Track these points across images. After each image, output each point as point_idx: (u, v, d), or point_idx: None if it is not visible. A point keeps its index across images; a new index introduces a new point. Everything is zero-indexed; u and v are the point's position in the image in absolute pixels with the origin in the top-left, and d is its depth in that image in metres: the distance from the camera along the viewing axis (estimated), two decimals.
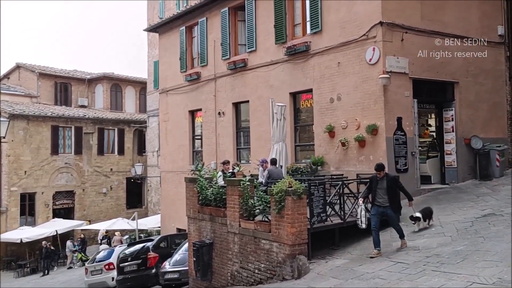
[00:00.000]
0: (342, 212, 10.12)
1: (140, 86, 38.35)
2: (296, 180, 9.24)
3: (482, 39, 14.81)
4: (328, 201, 9.70)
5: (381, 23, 12.83)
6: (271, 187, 9.78)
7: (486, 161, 14.26)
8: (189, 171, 14.63)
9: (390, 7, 13.00)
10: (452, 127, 14.40)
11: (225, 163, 13.52)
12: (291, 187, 8.86)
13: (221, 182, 12.22)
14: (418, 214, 10.16)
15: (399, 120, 13.12)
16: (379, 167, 9.41)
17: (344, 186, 10.17)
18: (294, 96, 15.86)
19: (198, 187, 12.41)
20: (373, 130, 12.97)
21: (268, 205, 9.61)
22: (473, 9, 14.78)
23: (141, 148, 35.52)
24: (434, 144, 15.22)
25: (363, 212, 9.28)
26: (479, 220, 10.22)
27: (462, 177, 14.40)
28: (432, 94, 14.26)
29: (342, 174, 13.12)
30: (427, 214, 10.38)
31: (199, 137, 20.65)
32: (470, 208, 11.37)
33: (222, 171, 13.20)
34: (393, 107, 13.02)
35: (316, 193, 9.23)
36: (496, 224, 9.66)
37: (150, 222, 26.30)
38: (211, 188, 12.05)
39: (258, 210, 10.00)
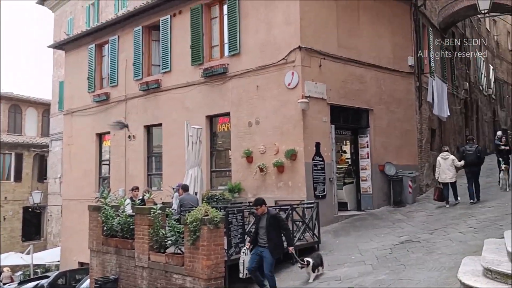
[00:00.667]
0: None
1: (43, 107, 35.58)
2: (213, 207, 8.46)
3: (394, 69, 15.26)
4: (247, 230, 8.99)
5: (299, 47, 12.66)
6: (185, 215, 8.93)
7: (400, 187, 14.47)
8: (94, 199, 13.27)
9: (308, 32, 12.91)
10: (367, 153, 14.49)
11: (134, 189, 12.41)
12: (207, 215, 8.08)
13: (129, 210, 11.11)
14: (308, 259, 8.82)
15: (318, 145, 12.91)
16: (257, 202, 8.14)
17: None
18: (211, 119, 15.20)
19: (103, 216, 11.17)
20: (292, 155, 12.61)
21: (181, 236, 8.71)
22: (385, 40, 15.20)
23: (42, 175, 32.73)
24: (350, 170, 15.22)
25: (242, 259, 8.14)
26: (397, 247, 10.08)
27: (377, 203, 14.46)
28: (349, 121, 14.30)
29: None
30: (318, 261, 9.00)
31: (107, 162, 19.19)
32: (387, 235, 11.26)
33: (131, 198, 12.08)
34: (311, 132, 12.80)
35: (235, 222, 8.51)
36: (415, 251, 9.55)
37: (49, 256, 23.85)
38: (118, 218, 10.88)
39: (170, 241, 9.04)
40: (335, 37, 13.61)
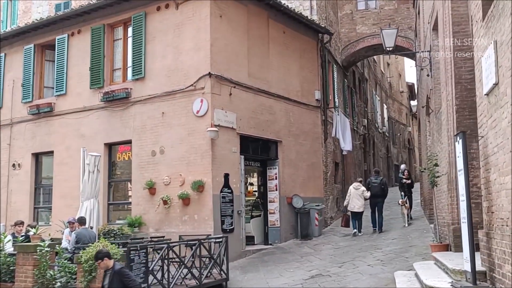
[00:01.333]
0: (165, 281, 8.53)
1: None
2: (111, 244, 7.45)
3: (302, 102, 15.34)
4: (150, 268, 8.03)
5: (209, 74, 12.16)
6: (78, 253, 7.78)
7: (307, 220, 14.31)
8: None
9: (219, 59, 12.50)
10: (276, 185, 14.20)
11: (18, 224, 10.85)
12: None
13: (10, 248, 9.59)
14: None
15: (226, 176, 12.34)
16: (98, 255, 6.22)
17: (170, 249, 8.64)
18: (110, 147, 14.04)
19: None
20: (199, 186, 11.89)
21: (74, 277, 7.54)
22: (294, 73, 15.27)
23: None
24: (257, 203, 14.81)
25: None
26: (308, 282, 9.73)
27: (284, 236, 14.13)
28: (258, 152, 13.94)
29: (163, 236, 11.58)
30: None
31: None
32: (296, 269, 10.89)
33: (13, 234, 10.52)
34: (220, 163, 12.22)
35: (137, 259, 7.54)
36: (327, 286, 9.25)
37: None
38: None
39: (59, 284, 7.79)
40: (246, 67, 13.35)
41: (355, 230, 13.98)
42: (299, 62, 15.55)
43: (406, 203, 14.82)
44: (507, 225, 4.42)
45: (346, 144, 17.86)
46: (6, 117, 16.27)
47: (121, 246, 8.34)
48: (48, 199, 15.26)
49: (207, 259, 9.75)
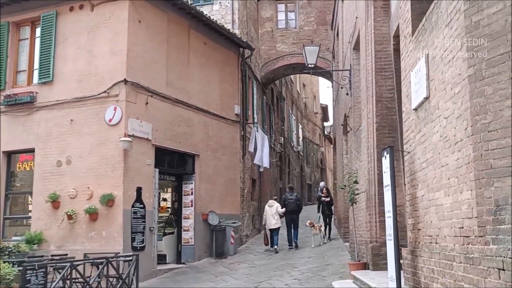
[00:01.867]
0: None
1: None
2: (4, 262, 6.51)
3: (221, 115, 15.01)
4: None
5: (125, 81, 11.45)
6: None
7: (222, 238, 13.89)
8: None
9: (136, 66, 11.83)
10: (192, 201, 13.65)
11: None
12: None
13: None
14: None
15: (139, 190, 11.60)
16: None
17: (73, 268, 7.78)
18: (9, 156, 12.74)
19: None
20: (108, 200, 11.04)
21: None
22: (214, 85, 14.93)
23: None
24: (171, 219, 14.12)
25: None
26: None
27: (198, 255, 13.57)
28: (174, 165, 13.33)
29: (66, 254, 10.55)
30: None
31: None
32: None
33: None
34: (133, 176, 11.47)
35: (34, 280, 6.65)
36: None
37: None
38: None
39: None
40: (164, 76, 12.78)
41: (275, 247, 14.21)
42: (220, 75, 15.25)
43: (318, 223, 14.89)
44: (435, 242, 4.33)
45: (264, 161, 17.74)
46: None
47: (16, 265, 7.36)
48: None
49: (115, 279, 8.96)
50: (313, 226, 14.52)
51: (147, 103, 12.03)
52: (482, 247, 3.37)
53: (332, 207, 16.45)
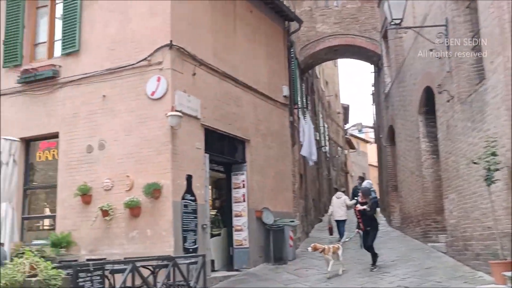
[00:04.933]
0: None
1: None
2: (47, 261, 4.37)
3: (270, 96, 12.92)
4: None
5: (170, 45, 9.36)
6: None
7: (281, 239, 11.64)
8: None
9: (181, 29, 9.75)
10: (244, 195, 11.44)
11: None
12: (35, 275, 3.98)
13: None
14: None
15: (189, 179, 9.46)
16: None
17: (135, 271, 5.57)
18: (28, 144, 10.64)
19: None
20: (154, 191, 8.89)
21: None
22: (261, 61, 12.80)
23: None
24: (217, 218, 11.93)
25: None
26: None
27: (253, 260, 11.33)
28: (223, 152, 11.16)
29: (105, 259, 8.35)
30: None
31: None
32: None
33: None
34: (182, 162, 9.33)
35: (89, 286, 4.49)
36: None
37: None
38: None
39: None
40: (210, 44, 10.68)
41: (342, 238, 12.85)
42: (266, 50, 13.12)
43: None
44: None
45: (313, 154, 15.56)
46: None
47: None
48: None
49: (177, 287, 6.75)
50: (323, 251, 9.67)
51: (194, 74, 9.94)
52: None
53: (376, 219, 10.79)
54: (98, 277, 4.61)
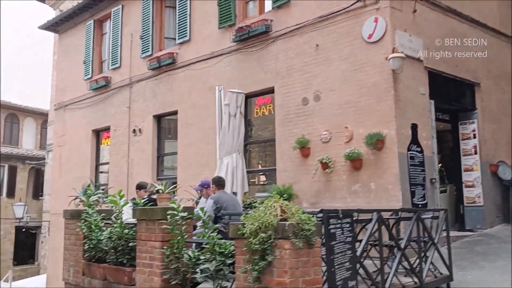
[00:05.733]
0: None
1: (43, 118, 31.47)
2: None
3: (501, 32, 10.99)
4: (362, 253, 4.55)
5: None
6: (225, 225, 4.60)
7: None
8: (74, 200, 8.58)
9: None
10: (475, 147, 10.06)
11: (141, 187, 8.13)
12: (285, 219, 3.71)
13: (128, 218, 6.76)
14: None
15: (414, 128, 8.56)
16: None
17: (382, 224, 5.03)
18: (246, 100, 10.94)
19: (84, 228, 6.82)
20: (377, 141, 8.25)
21: (230, 263, 4.32)
22: None
23: (37, 191, 28.43)
24: (441, 173, 10.74)
25: None
26: None
27: (489, 220, 9.94)
28: (449, 98, 9.90)
29: None
30: None
31: (106, 165, 14.93)
32: None
33: (133, 199, 7.82)
34: (405, 109, 8.46)
35: (340, 236, 4.11)
36: None
37: (32, 285, 19.29)
38: (109, 229, 6.50)
39: (204, 273, 4.56)
40: None
41: None
42: None
43: None
44: None
45: None
46: (125, 77, 14.03)
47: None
48: (173, 167, 12.64)
49: (423, 244, 6.01)
50: None
51: (415, 11, 8.85)
52: None
53: None
54: (348, 225, 4.19)
